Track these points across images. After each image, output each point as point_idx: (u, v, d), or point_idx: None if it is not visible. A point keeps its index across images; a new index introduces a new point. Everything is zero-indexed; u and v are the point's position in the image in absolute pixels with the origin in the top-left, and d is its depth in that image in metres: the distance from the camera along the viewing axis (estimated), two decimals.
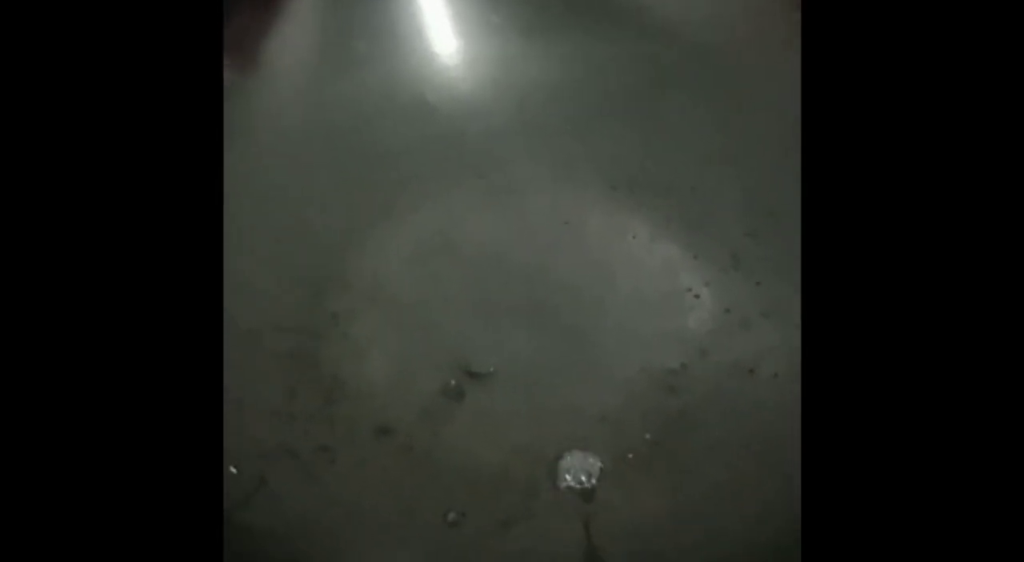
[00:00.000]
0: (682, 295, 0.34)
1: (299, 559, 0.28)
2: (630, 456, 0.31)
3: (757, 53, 0.37)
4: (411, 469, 0.31)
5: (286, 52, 0.38)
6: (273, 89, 0.37)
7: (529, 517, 0.29)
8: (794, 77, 0.36)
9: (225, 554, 0.18)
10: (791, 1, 0.36)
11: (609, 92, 0.38)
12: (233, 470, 0.29)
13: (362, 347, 0.34)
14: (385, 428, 0.32)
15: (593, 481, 0.30)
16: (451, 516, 0.29)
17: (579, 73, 0.38)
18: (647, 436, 0.31)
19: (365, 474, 0.30)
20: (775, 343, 0.33)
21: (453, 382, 0.33)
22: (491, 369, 0.33)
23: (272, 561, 0.27)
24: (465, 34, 0.40)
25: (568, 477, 0.30)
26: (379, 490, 0.30)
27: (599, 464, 0.30)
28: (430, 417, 0.32)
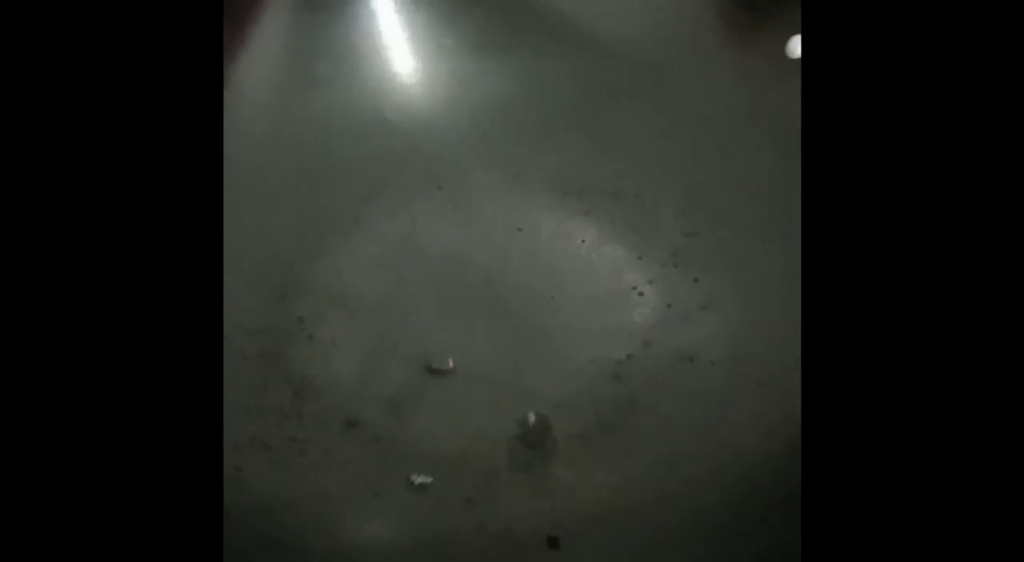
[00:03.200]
0: (627, 293, 0.37)
1: (272, 536, 0.29)
2: (582, 438, 0.33)
3: (690, 66, 0.40)
4: (378, 457, 0.32)
5: (254, 73, 0.40)
6: (241, 107, 0.39)
7: (489, 495, 0.31)
8: (726, 87, 0.39)
9: None
10: (718, 19, 0.39)
11: (557, 106, 0.41)
12: None
13: (328, 347, 0.36)
14: (352, 421, 0.33)
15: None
16: (417, 480, 0.31)
17: (528, 89, 0.41)
18: (597, 420, 0.33)
19: (333, 462, 0.32)
20: (712, 333, 0.35)
21: (417, 377, 0.35)
22: (452, 364, 0.35)
23: (246, 539, 0.28)
24: (421, 56, 0.43)
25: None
26: (347, 476, 0.32)
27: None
28: (395, 409, 0.34)
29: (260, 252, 0.37)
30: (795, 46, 0.37)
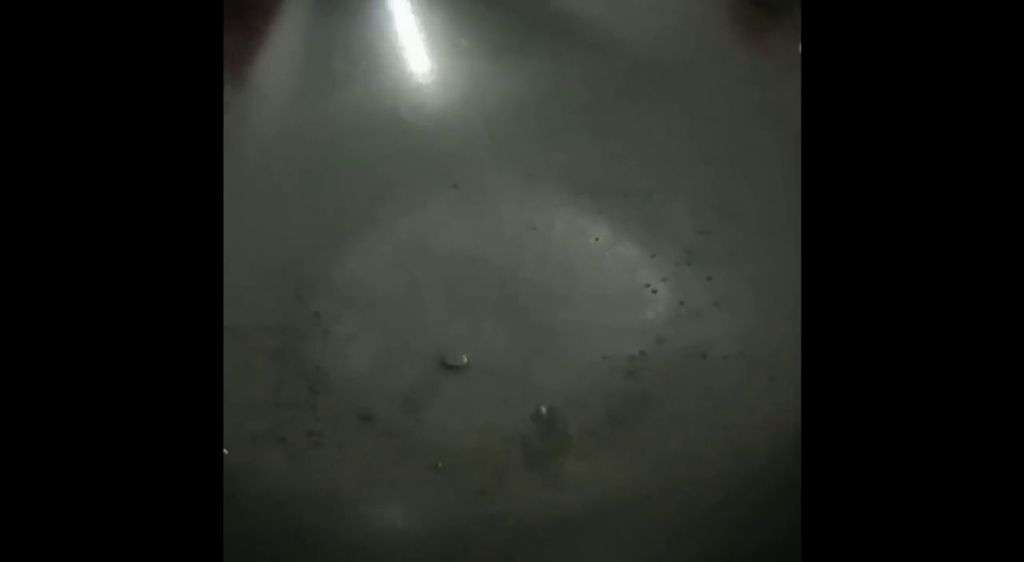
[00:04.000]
0: (641, 290, 0.37)
1: (287, 528, 0.30)
2: (594, 433, 0.33)
3: (702, 64, 0.40)
4: (391, 450, 0.33)
5: (271, 72, 0.40)
6: (259, 106, 0.40)
7: (502, 488, 0.31)
8: (738, 85, 0.39)
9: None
10: (729, 18, 0.39)
11: (570, 105, 0.41)
12: (225, 452, 0.31)
13: (344, 343, 0.36)
14: (367, 415, 0.34)
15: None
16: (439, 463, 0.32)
17: (542, 89, 0.41)
18: (609, 415, 0.34)
19: (348, 455, 0.33)
20: (725, 330, 0.35)
21: (430, 372, 0.35)
22: (465, 360, 0.35)
23: (261, 531, 0.28)
24: (436, 56, 0.43)
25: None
26: (361, 469, 0.32)
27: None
28: (409, 404, 0.34)
29: (276, 250, 0.38)
30: None
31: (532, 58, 0.42)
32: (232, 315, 0.34)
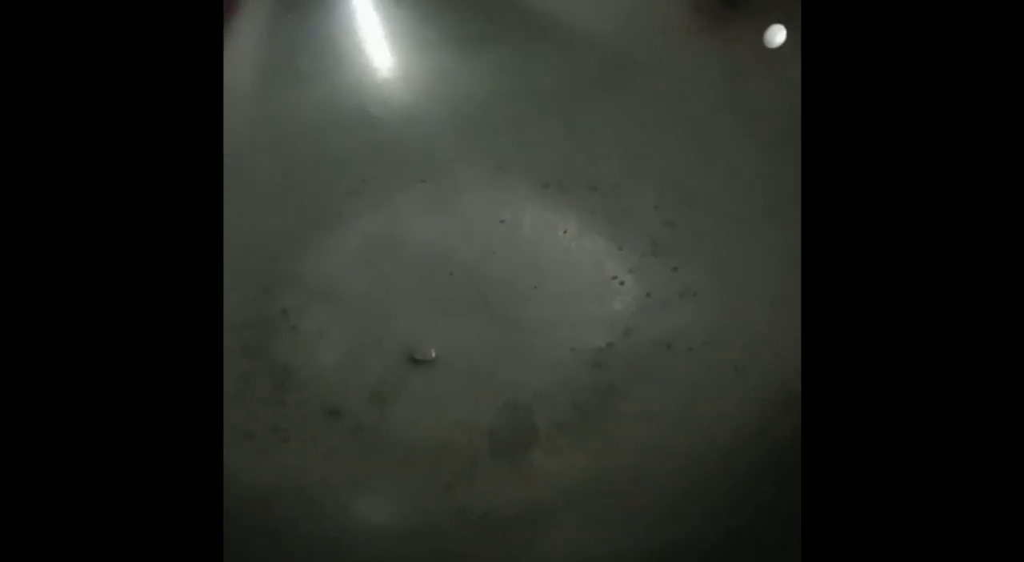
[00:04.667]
0: (608, 282, 0.37)
1: (255, 524, 0.29)
2: (562, 425, 0.33)
3: (669, 58, 0.40)
4: (360, 445, 0.33)
5: (234, 69, 0.40)
6: (223, 103, 0.40)
7: (470, 481, 0.32)
8: (704, 77, 0.40)
9: None
10: (696, 10, 0.39)
11: (536, 99, 0.41)
12: None
13: (312, 338, 0.36)
14: (335, 410, 0.34)
15: None
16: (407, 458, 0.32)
17: (508, 82, 0.41)
18: (577, 408, 0.34)
19: (316, 451, 0.33)
20: (690, 321, 0.35)
21: (399, 367, 0.35)
22: (434, 354, 0.35)
23: (229, 527, 0.28)
24: (401, 50, 0.43)
25: None
26: (330, 464, 0.32)
27: None
28: (377, 400, 0.34)
29: (245, 247, 0.37)
30: (772, 36, 0.37)
31: (499, 51, 0.42)
32: None
